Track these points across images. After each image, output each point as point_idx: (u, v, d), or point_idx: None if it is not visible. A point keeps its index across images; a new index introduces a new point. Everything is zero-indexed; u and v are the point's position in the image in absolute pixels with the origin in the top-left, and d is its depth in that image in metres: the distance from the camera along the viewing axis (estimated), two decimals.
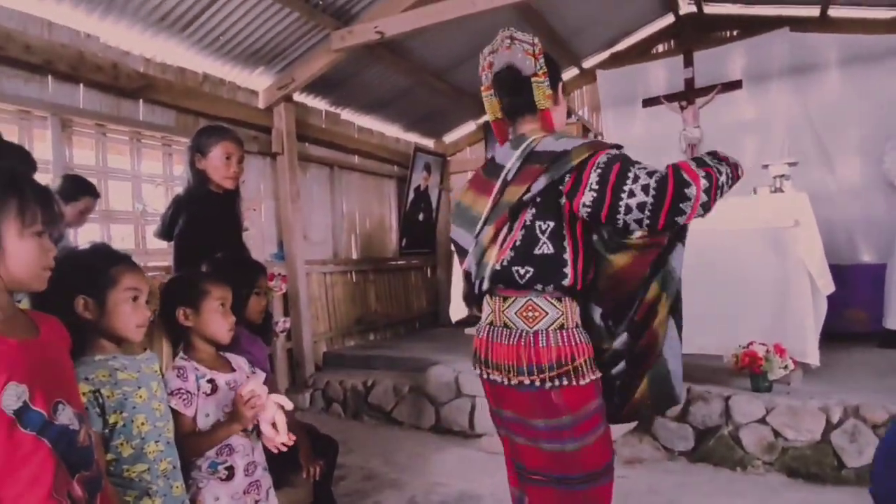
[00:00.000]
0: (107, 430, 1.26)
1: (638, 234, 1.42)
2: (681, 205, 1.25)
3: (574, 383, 1.41)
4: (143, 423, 1.31)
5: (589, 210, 1.34)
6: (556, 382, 1.40)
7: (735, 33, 5.66)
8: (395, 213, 6.55)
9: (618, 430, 3.41)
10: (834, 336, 3.94)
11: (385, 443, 3.76)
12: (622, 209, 1.29)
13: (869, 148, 4.88)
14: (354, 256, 5.91)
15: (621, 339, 1.51)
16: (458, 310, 4.08)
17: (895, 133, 4.66)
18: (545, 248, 1.40)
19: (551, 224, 1.40)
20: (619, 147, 1.42)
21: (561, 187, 1.38)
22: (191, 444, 1.47)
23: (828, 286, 3.29)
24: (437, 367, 4.14)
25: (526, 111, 1.54)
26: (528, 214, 1.42)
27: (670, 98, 5.68)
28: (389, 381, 4.27)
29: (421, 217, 6.51)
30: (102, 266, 1.35)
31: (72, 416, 1.06)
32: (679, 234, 1.49)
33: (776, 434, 3.04)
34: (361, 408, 4.34)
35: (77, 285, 1.31)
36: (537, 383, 1.40)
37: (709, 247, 3.49)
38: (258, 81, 4.59)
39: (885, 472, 1.11)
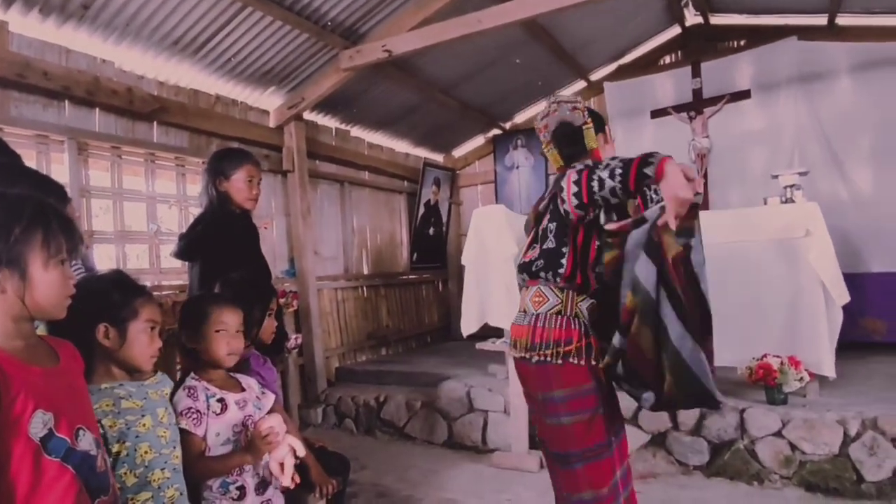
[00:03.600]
0: (110, 460, 1.27)
1: (612, 226, 1.65)
2: (645, 169, 1.46)
3: (566, 362, 1.68)
4: (146, 452, 1.33)
5: (576, 201, 1.62)
6: (552, 360, 1.68)
7: (742, 43, 5.65)
8: (406, 228, 6.58)
9: (631, 444, 3.38)
10: (850, 346, 3.89)
11: (398, 458, 3.76)
12: (596, 186, 1.55)
13: (880, 155, 4.84)
14: (366, 272, 5.94)
15: (616, 338, 1.62)
16: (469, 324, 4.09)
17: None
18: (549, 243, 1.76)
19: (555, 224, 1.75)
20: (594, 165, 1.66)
21: (561, 195, 1.68)
22: (202, 467, 1.49)
23: (842, 296, 3.26)
24: (449, 381, 4.14)
25: (581, 155, 1.88)
26: (545, 221, 1.78)
27: (679, 109, 5.67)
28: (402, 397, 4.27)
29: (431, 231, 6.54)
30: (126, 297, 1.39)
31: (91, 441, 1.08)
32: (647, 246, 1.57)
33: (793, 447, 3.00)
34: (374, 423, 4.34)
35: (99, 313, 1.34)
36: (536, 358, 1.71)
37: (720, 259, 3.46)
38: (269, 101, 4.66)
39: None
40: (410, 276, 6.54)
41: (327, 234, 5.45)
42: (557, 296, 1.74)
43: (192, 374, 1.58)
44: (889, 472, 2.78)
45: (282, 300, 4.06)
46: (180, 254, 2.43)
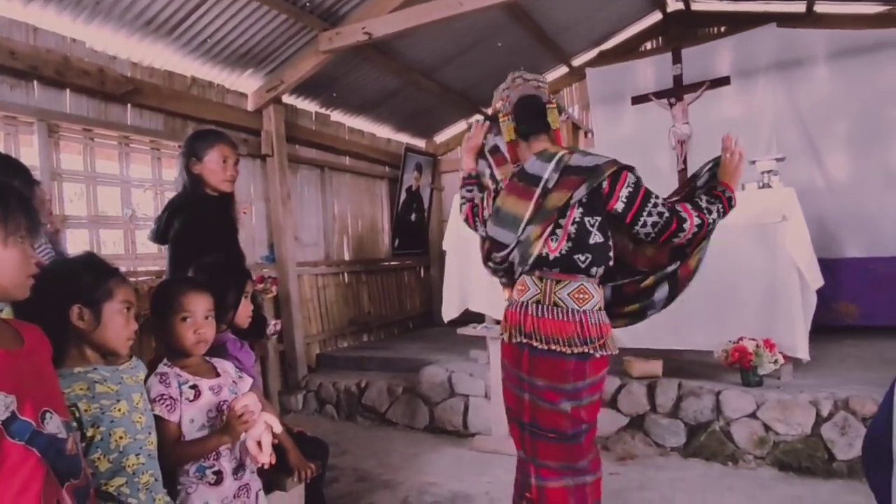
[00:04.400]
0: (83, 444, 1.24)
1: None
2: (679, 234, 1.86)
3: (600, 354, 1.82)
4: (121, 437, 1.30)
5: (618, 214, 1.85)
6: (591, 353, 1.80)
7: (722, 29, 5.69)
8: (387, 214, 6.55)
9: (610, 427, 3.43)
10: (824, 330, 3.96)
11: (379, 444, 3.77)
12: (640, 223, 1.84)
13: (856, 142, 4.92)
14: (347, 258, 5.90)
15: (672, 266, 1.97)
16: (450, 309, 4.09)
17: (882, 127, 4.73)
18: (597, 237, 1.84)
19: (598, 219, 1.83)
20: (632, 168, 1.89)
21: (600, 192, 1.82)
22: (179, 452, 1.47)
23: (816, 280, 3.31)
24: (431, 367, 4.14)
25: (540, 131, 1.94)
26: (577, 213, 1.82)
27: (659, 95, 5.68)
28: (383, 383, 4.27)
29: (413, 217, 6.51)
30: (100, 277, 1.35)
31: (59, 424, 1.06)
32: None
33: (767, 428, 3.06)
34: (355, 409, 4.33)
35: (72, 295, 1.31)
36: (578, 352, 1.78)
37: None
38: (247, 84, 4.58)
39: (869, 468, 1.11)
40: (392, 263, 6.52)
41: (307, 219, 5.40)
42: (597, 291, 1.87)
43: (165, 361, 1.55)
44: (859, 450, 2.83)
45: (260, 286, 4.02)
46: (152, 237, 2.39)
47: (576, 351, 1.79)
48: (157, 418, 1.42)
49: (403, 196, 6.26)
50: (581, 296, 1.83)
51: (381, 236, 6.51)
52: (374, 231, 6.40)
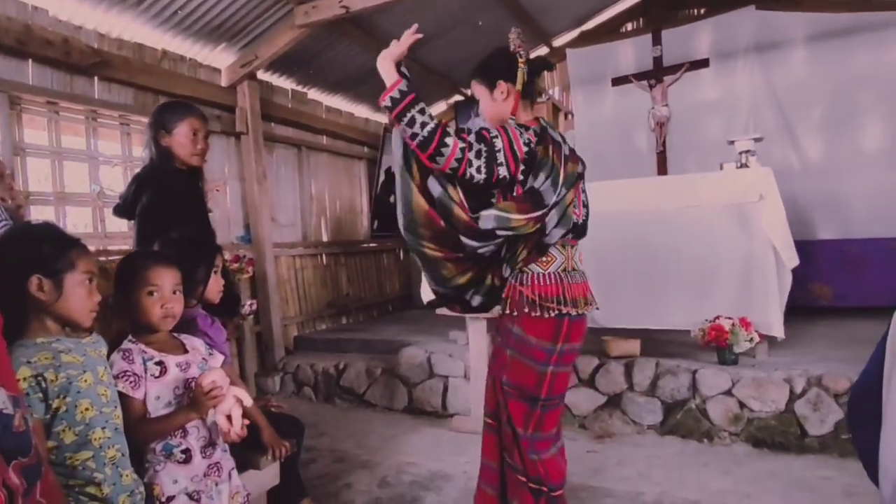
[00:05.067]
0: (48, 416, 1.20)
1: None
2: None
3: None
4: (87, 409, 1.25)
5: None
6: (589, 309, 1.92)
7: (702, 11, 5.69)
8: (366, 195, 6.46)
9: (588, 405, 3.44)
10: (798, 310, 4.02)
11: (357, 425, 3.74)
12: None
13: (831, 124, 4.97)
14: (325, 239, 5.82)
15: None
16: (429, 290, 4.04)
17: (856, 110, 4.77)
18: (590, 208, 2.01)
19: (588, 189, 2.01)
20: None
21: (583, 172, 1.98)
22: (144, 429, 1.42)
23: (792, 260, 3.35)
24: (409, 348, 4.11)
25: (530, 97, 1.92)
26: (582, 184, 1.95)
27: (639, 77, 5.66)
28: (362, 364, 4.23)
29: (392, 199, 6.41)
30: (61, 247, 1.30)
31: (5, 399, 0.99)
32: None
33: (742, 405, 3.10)
34: (333, 391, 4.29)
35: (31, 265, 1.26)
36: (588, 311, 1.89)
37: (676, 222, 3.52)
38: (220, 59, 4.44)
39: (855, 424, 1.09)
40: (371, 245, 6.45)
41: (284, 199, 5.30)
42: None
43: (129, 337, 1.49)
44: (831, 426, 2.90)
45: (235, 265, 3.94)
46: (118, 211, 2.30)
47: (588, 311, 1.89)
48: (121, 395, 1.37)
49: (382, 177, 6.18)
50: (581, 257, 1.95)
51: (360, 218, 6.43)
52: (352, 212, 6.32)
